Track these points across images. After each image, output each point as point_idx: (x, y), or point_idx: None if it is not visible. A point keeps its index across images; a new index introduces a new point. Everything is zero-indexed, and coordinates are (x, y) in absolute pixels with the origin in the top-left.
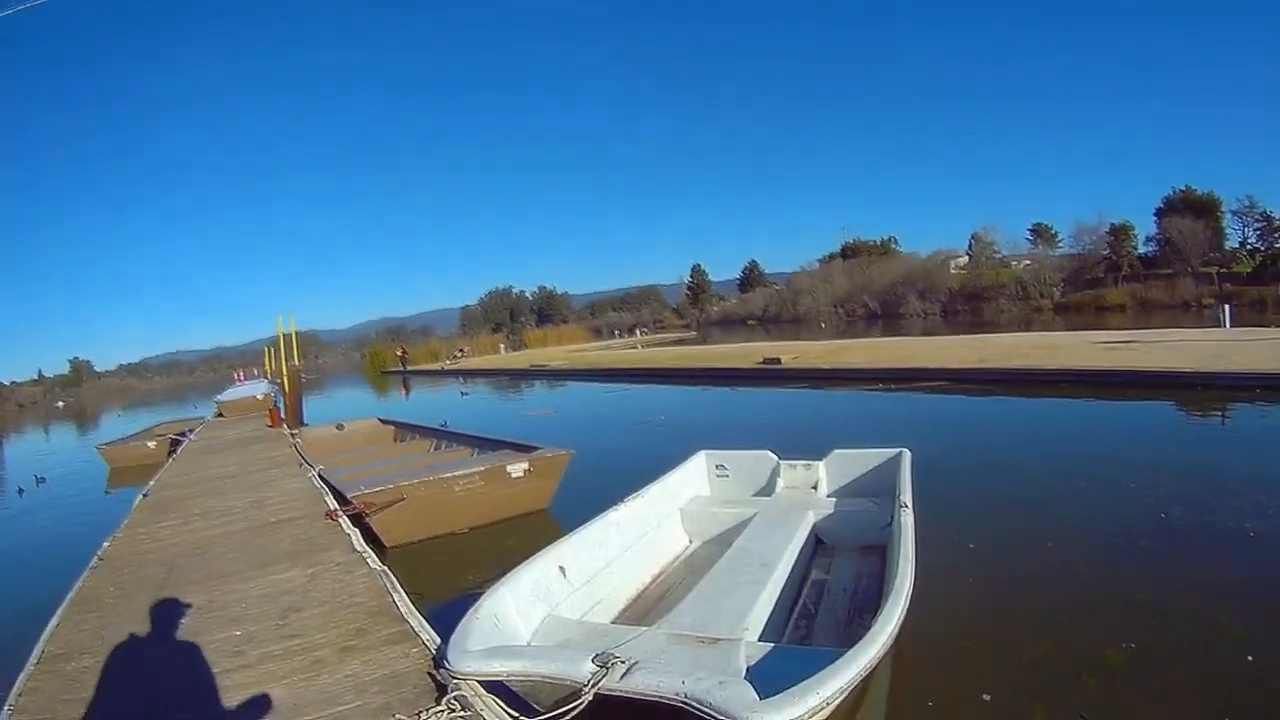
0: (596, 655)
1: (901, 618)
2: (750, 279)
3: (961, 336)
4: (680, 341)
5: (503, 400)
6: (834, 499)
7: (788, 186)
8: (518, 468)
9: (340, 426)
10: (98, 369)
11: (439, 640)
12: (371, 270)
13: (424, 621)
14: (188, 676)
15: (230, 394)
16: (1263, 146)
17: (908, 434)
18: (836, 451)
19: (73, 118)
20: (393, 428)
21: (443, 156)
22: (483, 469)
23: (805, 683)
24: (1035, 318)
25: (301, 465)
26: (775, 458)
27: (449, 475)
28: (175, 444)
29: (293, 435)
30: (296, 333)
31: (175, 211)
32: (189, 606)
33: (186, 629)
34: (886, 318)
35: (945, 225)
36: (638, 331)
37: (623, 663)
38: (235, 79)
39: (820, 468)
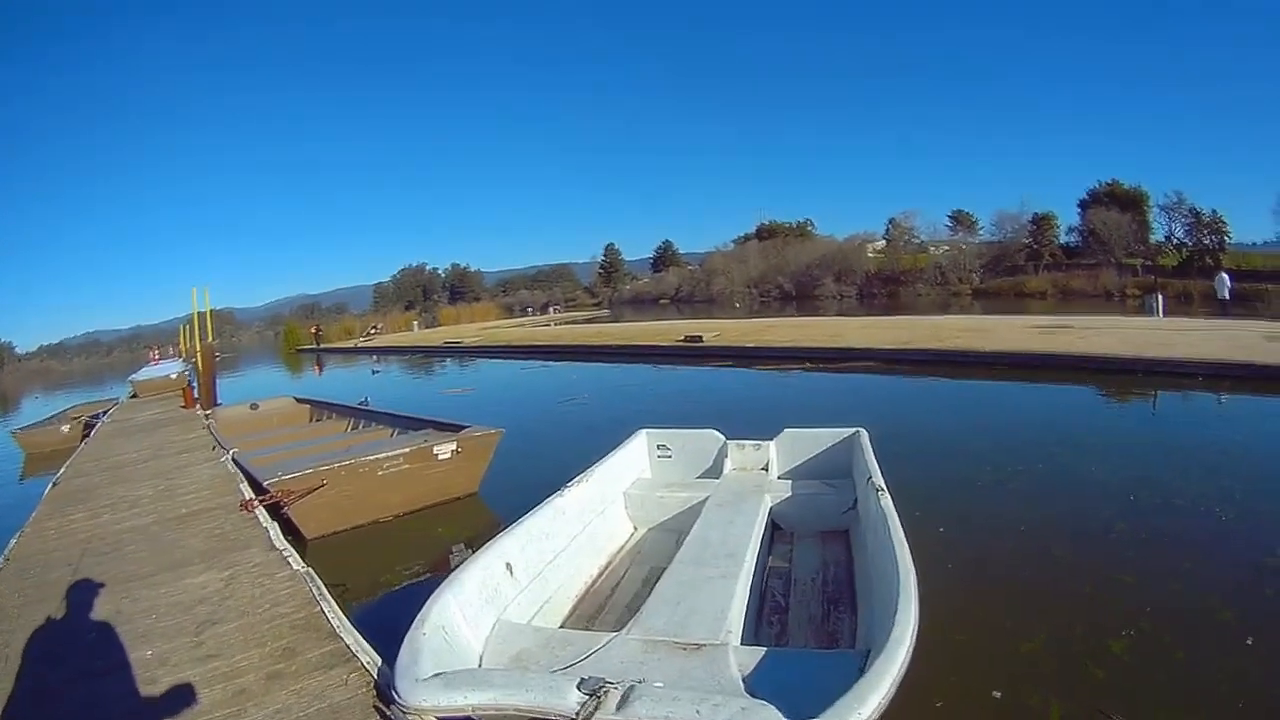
0: (582, 681)
1: (918, 614)
2: (664, 259)
3: (887, 318)
4: (593, 320)
5: (418, 378)
6: (788, 481)
7: (705, 168)
8: (445, 448)
9: (254, 406)
10: (18, 351)
11: (380, 661)
12: (286, 247)
13: (360, 639)
14: (97, 712)
15: (144, 374)
16: (1191, 145)
17: (847, 414)
18: (788, 430)
19: None
20: (309, 407)
21: (357, 131)
22: (408, 450)
23: (844, 700)
24: (954, 302)
25: (215, 449)
26: (722, 437)
27: (371, 458)
28: (89, 427)
29: (206, 416)
30: (211, 311)
31: (91, 189)
32: (97, 620)
33: (95, 648)
34: (801, 299)
35: (863, 210)
36: (551, 309)
37: (615, 687)
38: (148, 52)
39: (771, 448)
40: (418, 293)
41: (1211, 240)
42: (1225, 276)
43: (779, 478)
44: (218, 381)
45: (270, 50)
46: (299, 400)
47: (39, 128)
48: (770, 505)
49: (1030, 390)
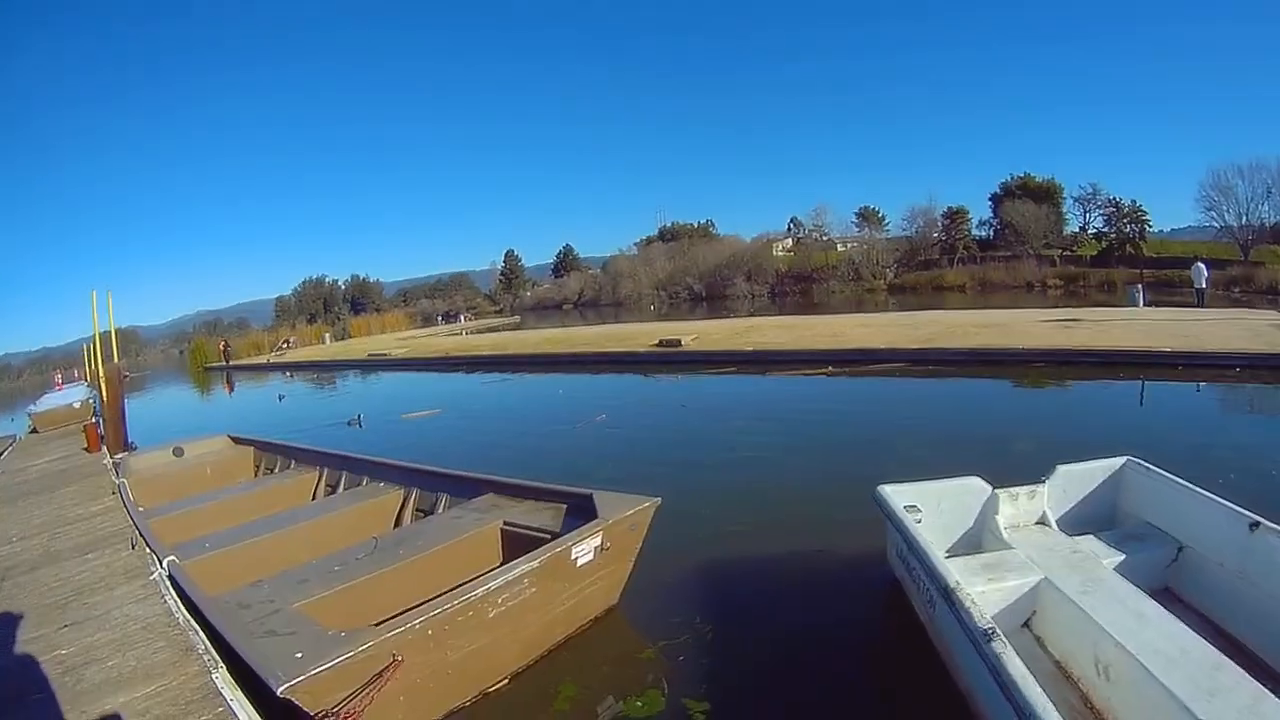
0: None
1: None
2: (565, 264)
3: (889, 314)
4: (511, 327)
5: (351, 399)
6: (1088, 537)
7: (602, 168)
8: (585, 547)
9: (179, 452)
10: None
11: None
12: (187, 262)
13: None
14: None
15: (45, 403)
16: (1099, 137)
17: (937, 430)
18: (1061, 468)
19: None
20: (253, 450)
21: (259, 143)
22: (535, 566)
23: None
24: (868, 299)
25: (135, 546)
26: (987, 486)
27: (480, 592)
28: None
29: (115, 466)
30: (115, 329)
31: None
32: None
33: None
34: (711, 300)
35: (761, 210)
36: (461, 317)
37: None
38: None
39: (1044, 492)
40: (319, 305)
41: (1132, 229)
42: (1202, 266)
43: (1073, 532)
44: (125, 409)
45: (163, 57)
46: (236, 440)
47: None
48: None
49: (1110, 389)
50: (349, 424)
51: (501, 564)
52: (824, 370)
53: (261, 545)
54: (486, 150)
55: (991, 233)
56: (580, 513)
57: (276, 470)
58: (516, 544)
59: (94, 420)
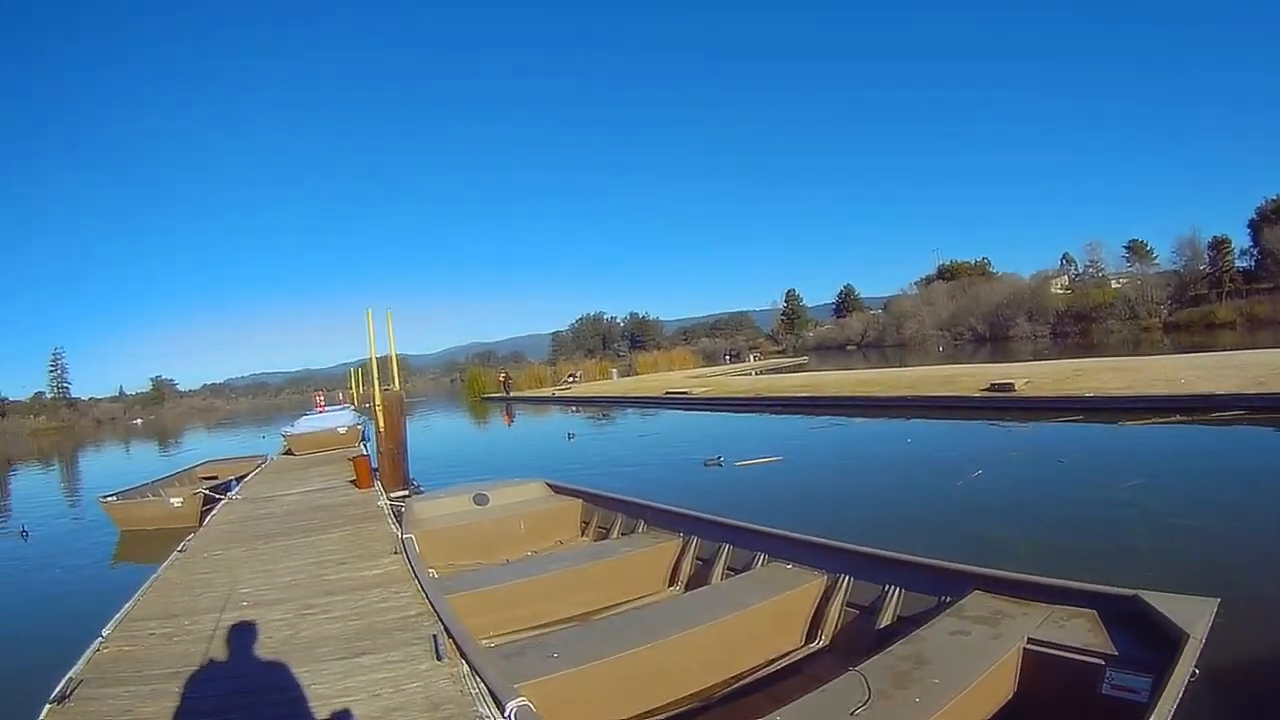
0: None
1: None
2: (846, 303)
3: (1208, 355)
4: (797, 367)
5: (656, 441)
6: None
7: (878, 208)
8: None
9: (482, 499)
10: (180, 388)
11: None
12: (459, 296)
13: None
14: None
15: (304, 425)
16: None
17: None
18: None
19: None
20: (580, 503)
21: (527, 183)
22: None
23: None
24: (1144, 338)
25: (443, 653)
26: None
27: None
28: (211, 502)
29: (394, 511)
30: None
31: (263, 232)
32: None
33: None
34: (995, 340)
35: (1029, 244)
36: (751, 356)
37: None
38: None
39: None
40: (597, 341)
41: None
42: None
43: None
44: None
45: (450, 100)
46: (555, 489)
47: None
48: None
49: None
50: (706, 465)
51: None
52: (1172, 419)
53: (631, 663)
54: (765, 184)
55: (1253, 263)
56: (1119, 622)
57: (615, 534)
58: (1042, 667)
59: (363, 449)
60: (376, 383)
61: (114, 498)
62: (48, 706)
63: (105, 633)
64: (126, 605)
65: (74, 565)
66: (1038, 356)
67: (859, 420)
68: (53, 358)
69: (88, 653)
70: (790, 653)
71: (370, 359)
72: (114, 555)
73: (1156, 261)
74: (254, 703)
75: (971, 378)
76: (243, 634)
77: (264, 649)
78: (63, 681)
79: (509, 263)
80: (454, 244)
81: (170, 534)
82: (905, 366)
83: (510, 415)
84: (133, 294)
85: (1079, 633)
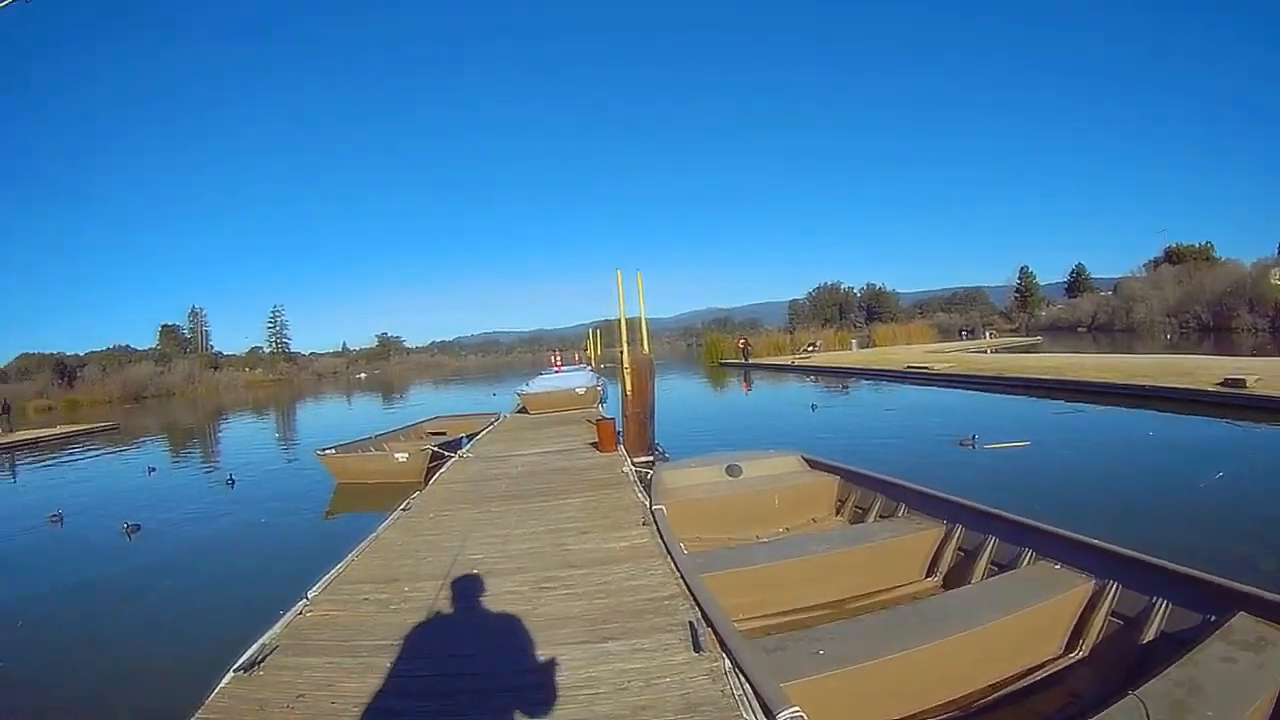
0: None
1: None
2: (1077, 284)
3: None
4: (1029, 347)
5: (903, 415)
6: None
7: (1108, 185)
8: None
9: (735, 470)
10: (407, 345)
11: None
12: (699, 263)
13: None
14: None
15: (540, 384)
16: None
17: None
18: None
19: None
20: (837, 481)
21: (768, 149)
22: None
23: None
24: None
25: (702, 645)
26: None
27: None
28: (439, 459)
29: (640, 479)
30: (634, 316)
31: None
32: None
33: None
34: (1218, 331)
35: (1253, 229)
36: (988, 334)
37: None
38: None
39: None
40: (834, 311)
41: None
42: None
43: None
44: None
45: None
46: (811, 463)
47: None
48: None
49: None
50: (961, 444)
51: None
52: None
53: (895, 665)
54: (1001, 153)
55: None
56: None
57: (873, 516)
58: None
59: (602, 411)
60: (624, 344)
61: (332, 450)
62: (231, 674)
63: (311, 595)
64: (338, 566)
65: (282, 520)
66: (1258, 351)
67: (1094, 407)
68: (272, 314)
69: (288, 615)
70: (1048, 662)
71: (620, 320)
72: (327, 509)
73: None
74: (479, 688)
75: (1207, 371)
76: (469, 607)
77: (493, 627)
78: (254, 647)
79: (747, 230)
80: (694, 211)
81: (392, 489)
82: (1132, 354)
83: (748, 382)
84: (357, 260)
85: None
